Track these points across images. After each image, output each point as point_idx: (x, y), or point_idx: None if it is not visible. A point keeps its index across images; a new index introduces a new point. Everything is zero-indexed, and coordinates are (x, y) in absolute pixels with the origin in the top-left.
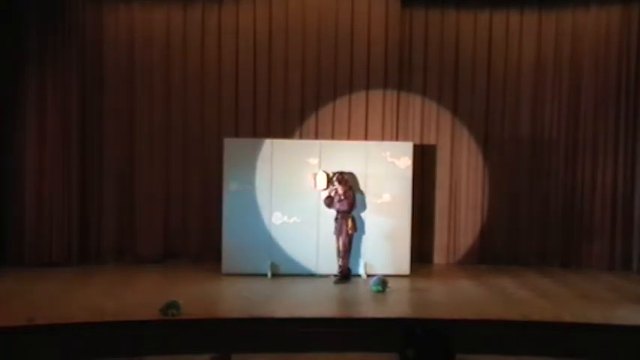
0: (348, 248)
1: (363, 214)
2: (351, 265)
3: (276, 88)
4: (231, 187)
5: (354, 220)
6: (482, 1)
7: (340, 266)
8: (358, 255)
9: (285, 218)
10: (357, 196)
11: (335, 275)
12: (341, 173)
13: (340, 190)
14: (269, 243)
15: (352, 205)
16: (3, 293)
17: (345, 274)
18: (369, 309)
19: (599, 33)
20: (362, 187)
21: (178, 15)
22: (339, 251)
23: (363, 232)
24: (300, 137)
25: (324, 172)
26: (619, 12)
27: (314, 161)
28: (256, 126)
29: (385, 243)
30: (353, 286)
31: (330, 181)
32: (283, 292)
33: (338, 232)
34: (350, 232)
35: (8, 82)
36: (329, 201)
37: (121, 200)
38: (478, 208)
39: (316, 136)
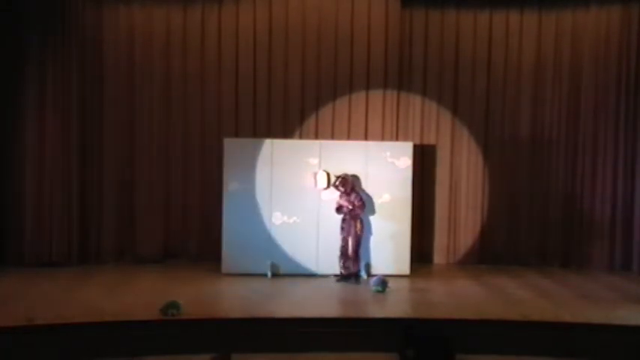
0: (357, 250)
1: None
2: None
3: (276, 88)
4: (231, 187)
5: (362, 222)
6: (483, 1)
7: (348, 267)
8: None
9: (285, 218)
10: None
11: (336, 275)
12: (343, 177)
13: (356, 203)
14: (269, 243)
15: (364, 207)
16: (3, 293)
17: (354, 276)
18: (369, 309)
19: (599, 33)
20: (362, 187)
21: (178, 15)
22: (342, 251)
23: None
24: (300, 137)
25: (325, 171)
26: (619, 12)
27: (314, 161)
28: (256, 126)
29: (385, 243)
30: (353, 286)
31: (330, 181)
32: (283, 292)
33: (346, 232)
34: (359, 233)
35: (8, 82)
36: (341, 210)
37: (121, 200)
38: (478, 208)
39: (316, 136)
